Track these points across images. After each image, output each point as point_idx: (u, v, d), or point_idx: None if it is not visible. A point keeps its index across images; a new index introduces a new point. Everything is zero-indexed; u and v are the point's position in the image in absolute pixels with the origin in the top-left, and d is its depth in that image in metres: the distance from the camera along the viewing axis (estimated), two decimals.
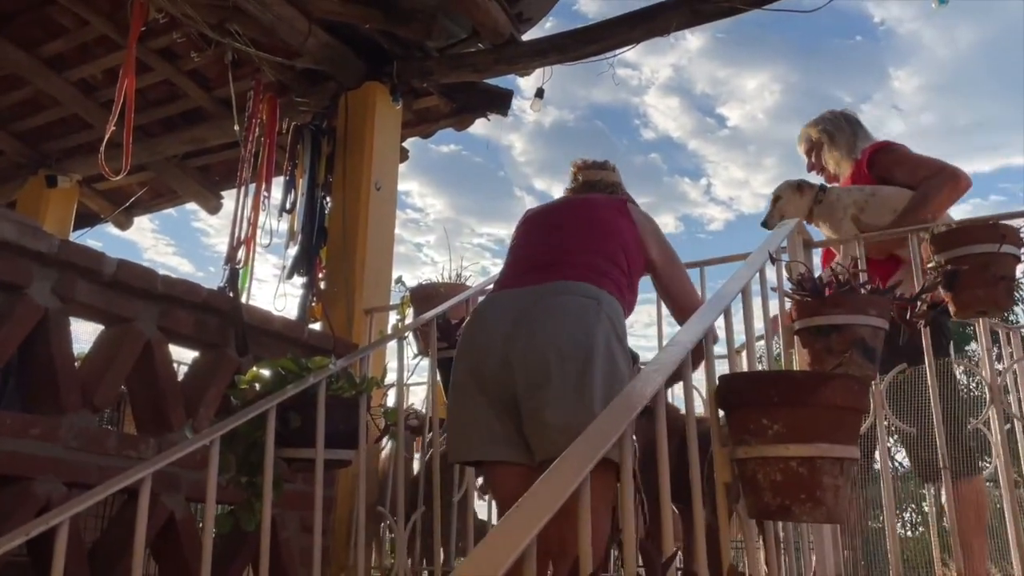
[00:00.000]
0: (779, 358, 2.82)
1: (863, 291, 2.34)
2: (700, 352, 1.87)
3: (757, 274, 2.34)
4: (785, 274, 2.49)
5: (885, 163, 3.08)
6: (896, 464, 3.11)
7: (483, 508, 3.42)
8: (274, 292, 4.03)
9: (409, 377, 2.78)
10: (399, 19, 4.14)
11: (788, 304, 2.43)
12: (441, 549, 2.64)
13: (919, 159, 3.07)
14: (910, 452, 2.93)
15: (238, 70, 4.29)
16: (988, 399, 2.64)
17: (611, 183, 2.42)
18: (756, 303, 2.36)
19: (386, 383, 3.11)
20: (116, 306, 2.81)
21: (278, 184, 4.37)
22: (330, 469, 2.31)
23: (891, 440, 2.98)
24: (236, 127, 4.11)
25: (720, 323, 1.96)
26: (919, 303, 2.40)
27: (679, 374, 1.73)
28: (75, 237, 5.78)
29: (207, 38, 4.02)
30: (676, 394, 2.45)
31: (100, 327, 2.95)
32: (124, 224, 6.07)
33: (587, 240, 2.13)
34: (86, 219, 6.04)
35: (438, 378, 2.80)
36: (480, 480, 3.00)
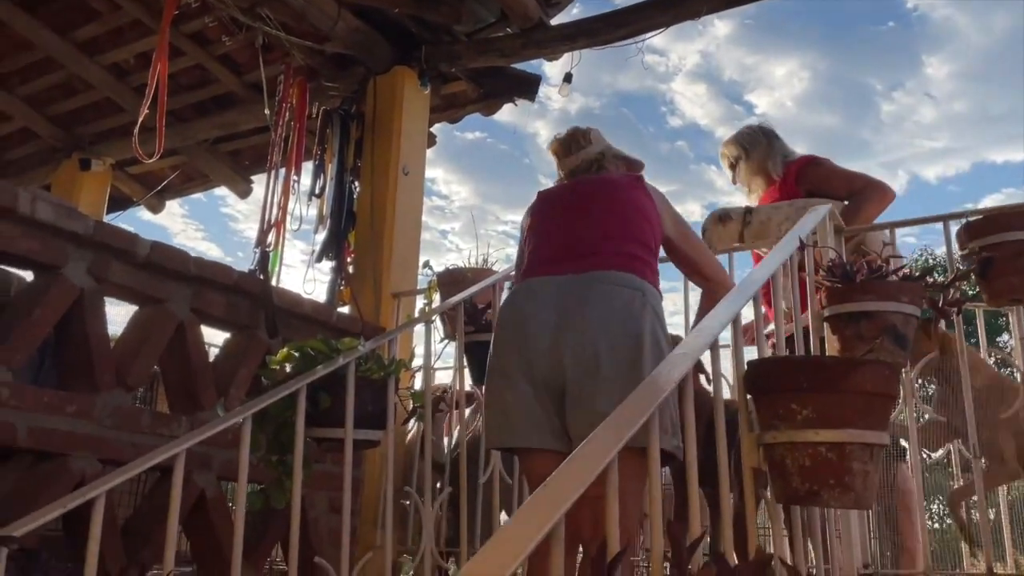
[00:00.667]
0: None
1: (894, 278, 2.32)
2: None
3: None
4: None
5: (816, 177, 3.15)
6: (924, 455, 3.08)
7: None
8: (303, 276, 4.07)
9: (436, 361, 2.79)
10: (428, 3, 4.14)
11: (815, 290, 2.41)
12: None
13: (850, 173, 3.17)
14: None
15: (268, 55, 4.32)
16: (1022, 391, 2.61)
17: (593, 159, 2.35)
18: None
19: (412, 366, 3.14)
20: (149, 287, 2.86)
21: (307, 169, 4.40)
22: (359, 449, 2.34)
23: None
24: (266, 111, 4.14)
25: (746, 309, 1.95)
26: (951, 290, 2.38)
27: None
28: (108, 220, 5.86)
29: (238, 22, 4.05)
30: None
31: (131, 311, 3.00)
32: (156, 208, 6.14)
33: (621, 225, 2.13)
34: (118, 203, 6.12)
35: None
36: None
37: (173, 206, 6.30)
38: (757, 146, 3.32)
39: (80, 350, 2.67)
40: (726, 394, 1.99)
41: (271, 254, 3.57)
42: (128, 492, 3.41)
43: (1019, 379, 2.70)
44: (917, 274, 2.26)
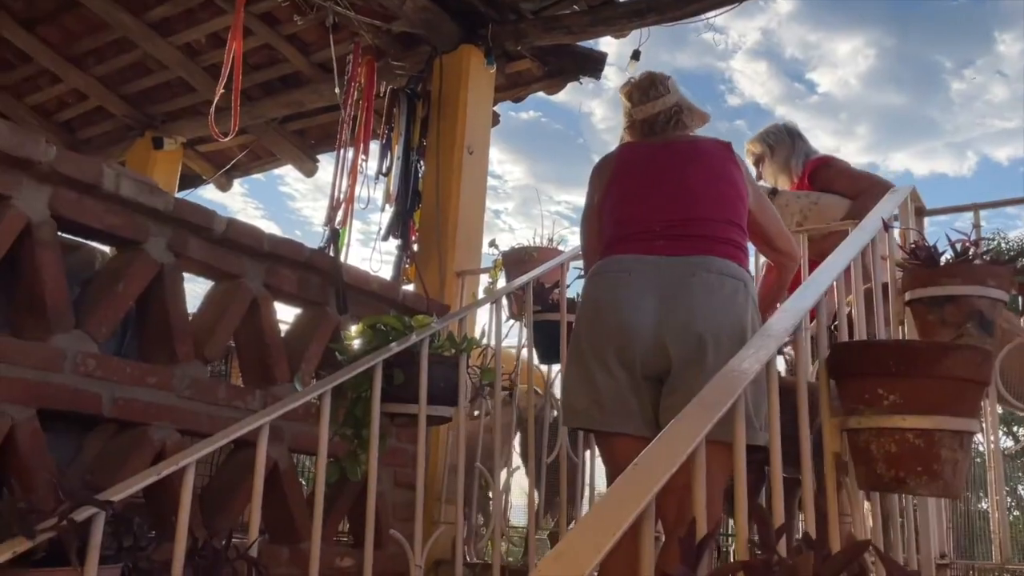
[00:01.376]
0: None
1: (981, 261, 2.24)
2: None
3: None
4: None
5: (826, 177, 3.25)
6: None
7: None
8: (369, 254, 4.12)
9: (504, 339, 2.80)
10: None
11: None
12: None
13: (857, 173, 3.29)
14: None
15: (337, 34, 4.34)
16: None
17: (670, 108, 2.22)
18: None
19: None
20: (225, 263, 2.92)
21: (374, 148, 4.44)
22: (431, 425, 2.37)
23: None
24: (336, 90, 4.18)
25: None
26: None
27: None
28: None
29: (308, 2, 4.08)
30: None
31: (203, 292, 3.08)
32: (224, 186, 6.27)
33: (718, 204, 2.06)
34: (188, 180, 6.26)
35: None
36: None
37: (234, 185, 6.40)
38: (782, 145, 3.37)
39: (160, 323, 2.74)
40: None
41: (340, 232, 3.62)
42: (203, 461, 3.50)
43: None
44: (1008, 256, 2.18)
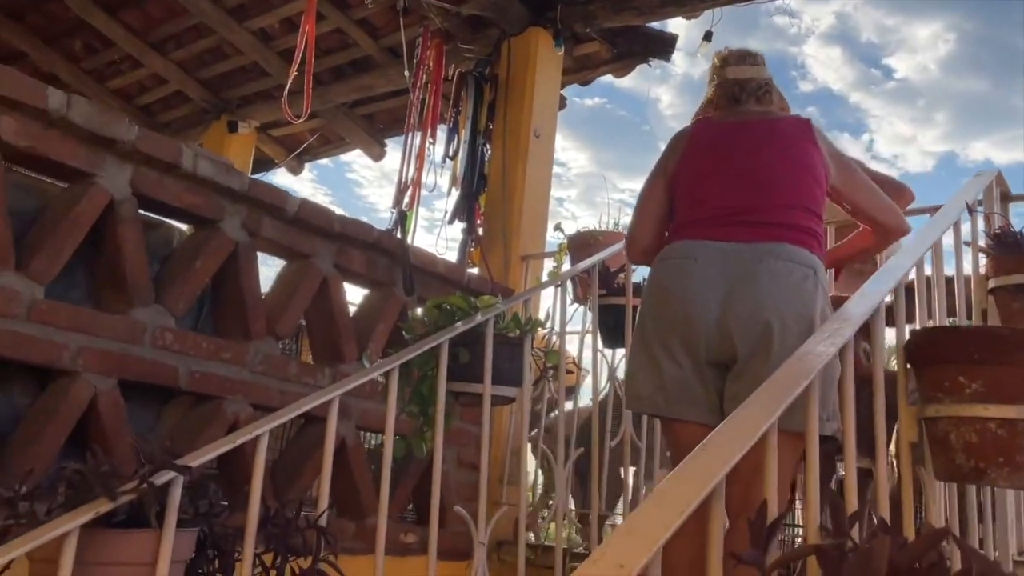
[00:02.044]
0: None
1: None
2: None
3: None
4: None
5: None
6: None
7: None
8: (434, 240, 4.15)
9: (568, 322, 2.79)
10: None
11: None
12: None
13: (874, 173, 3.05)
14: None
15: (406, 17, 4.38)
16: None
17: (763, 82, 2.18)
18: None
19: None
20: (297, 243, 2.98)
21: (442, 131, 4.46)
22: (495, 405, 2.38)
23: None
24: (406, 73, 4.22)
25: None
26: None
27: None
28: None
29: None
30: None
31: (272, 274, 3.14)
32: (296, 170, 6.40)
33: (793, 190, 2.01)
34: (260, 165, 6.41)
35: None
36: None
37: (304, 170, 6.52)
38: None
39: (235, 300, 2.82)
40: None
41: (407, 214, 3.66)
42: (273, 435, 3.59)
43: None
44: None
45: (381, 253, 3.29)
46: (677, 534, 0.93)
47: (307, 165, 6.52)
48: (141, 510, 1.49)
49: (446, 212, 4.18)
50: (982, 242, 2.35)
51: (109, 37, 5.50)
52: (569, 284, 3.14)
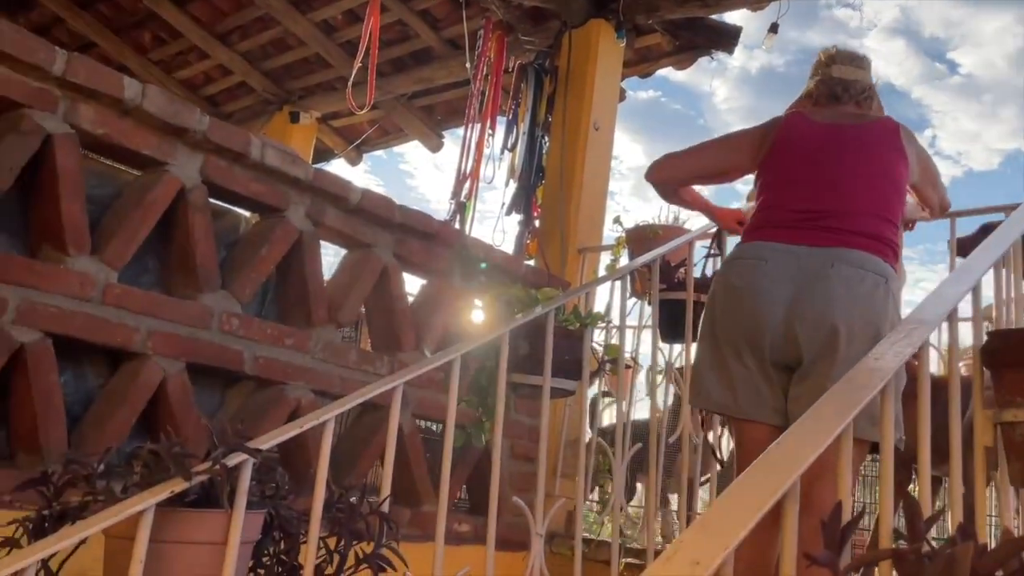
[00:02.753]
0: None
1: None
2: None
3: None
4: None
5: None
6: None
7: None
8: (490, 232, 4.16)
9: (628, 316, 2.76)
10: None
11: None
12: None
13: None
14: None
15: (468, 9, 4.39)
16: None
17: (866, 86, 2.18)
18: None
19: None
20: (359, 232, 3.02)
21: (501, 123, 4.47)
22: (553, 398, 2.38)
23: None
24: (467, 64, 4.23)
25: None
26: None
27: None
28: None
29: None
30: None
31: (332, 262, 3.19)
32: (354, 160, 6.48)
33: (872, 197, 2.01)
34: (320, 155, 6.50)
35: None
36: None
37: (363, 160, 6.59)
38: None
39: (298, 288, 2.87)
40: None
41: (466, 204, 3.67)
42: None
43: None
44: None
45: (440, 244, 3.31)
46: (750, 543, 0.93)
47: (367, 154, 6.59)
48: (212, 490, 1.53)
49: (504, 204, 4.19)
50: None
51: (177, 28, 5.63)
52: (628, 278, 3.12)
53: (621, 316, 2.58)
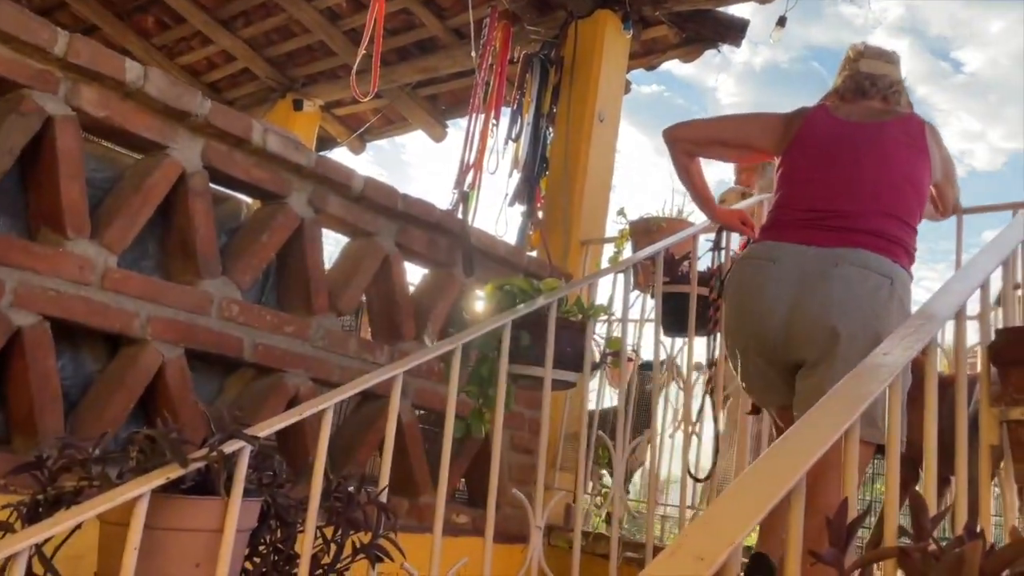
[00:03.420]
0: None
1: None
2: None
3: None
4: None
5: None
6: None
7: None
8: (495, 219, 4.14)
9: (631, 309, 2.74)
10: None
11: None
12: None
13: None
14: None
15: None
16: None
17: (894, 81, 2.18)
18: None
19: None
20: (361, 220, 3.00)
21: (505, 113, 4.44)
22: (555, 390, 2.36)
23: None
24: (473, 54, 4.20)
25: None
26: None
27: None
28: None
29: None
30: None
31: (334, 250, 3.16)
32: (358, 149, 6.44)
33: (890, 198, 2.00)
34: (323, 144, 6.47)
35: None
36: None
37: (365, 149, 6.55)
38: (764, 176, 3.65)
39: (299, 275, 2.85)
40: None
41: (469, 195, 3.65)
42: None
43: None
44: None
45: (442, 233, 3.28)
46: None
47: (370, 144, 6.56)
48: (208, 477, 1.51)
49: (507, 195, 4.16)
50: None
51: (180, 13, 5.59)
52: (631, 271, 3.10)
53: (624, 308, 2.55)
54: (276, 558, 1.63)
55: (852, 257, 1.92)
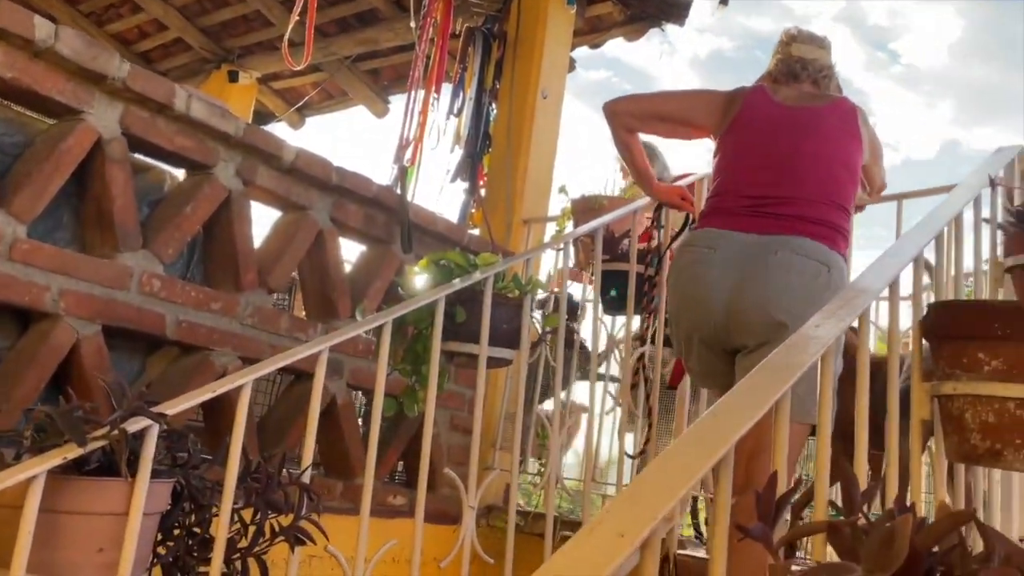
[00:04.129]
0: None
1: None
2: None
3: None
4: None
5: None
6: None
7: None
8: (436, 196, 4.06)
9: (568, 287, 2.69)
10: None
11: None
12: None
13: None
14: None
15: None
16: None
17: (825, 66, 2.22)
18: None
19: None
20: (293, 194, 2.89)
21: (446, 89, 4.34)
22: (491, 367, 2.31)
23: None
24: (412, 24, 4.09)
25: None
26: None
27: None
28: None
29: None
30: None
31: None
32: (296, 124, 6.26)
33: (825, 185, 2.04)
34: (261, 117, 6.28)
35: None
36: None
37: (305, 124, 6.36)
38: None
39: (226, 250, 2.73)
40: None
41: (408, 170, 3.55)
42: (262, 392, 3.53)
43: None
44: None
45: (380, 209, 3.19)
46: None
47: (308, 120, 6.38)
48: (114, 459, 1.41)
49: (448, 171, 4.07)
50: (1001, 219, 2.26)
51: None
52: (572, 250, 3.05)
53: (562, 286, 2.51)
54: (190, 542, 1.54)
55: (791, 244, 1.95)
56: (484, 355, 2.13)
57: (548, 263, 3.09)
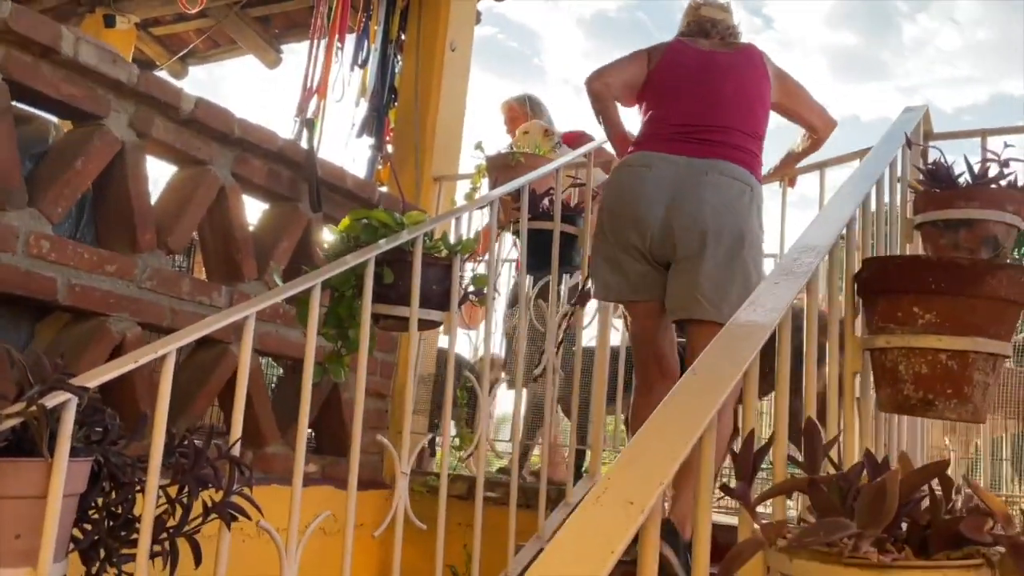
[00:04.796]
0: None
1: (1001, 185, 2.17)
2: None
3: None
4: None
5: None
6: None
7: None
8: (341, 150, 3.89)
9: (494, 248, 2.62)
10: None
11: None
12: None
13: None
14: None
15: None
16: None
17: (729, 26, 2.47)
18: None
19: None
20: (192, 147, 2.69)
21: (350, 39, 4.14)
22: (420, 330, 2.23)
23: None
24: None
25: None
26: None
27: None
28: None
29: None
30: None
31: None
32: (179, 74, 5.86)
33: (743, 116, 2.30)
34: (141, 66, 5.84)
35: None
36: None
37: (190, 74, 5.97)
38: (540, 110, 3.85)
39: (120, 207, 2.53)
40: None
41: (314, 122, 3.38)
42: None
43: None
44: None
45: (285, 164, 3.03)
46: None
47: (193, 69, 5.99)
48: (25, 436, 1.27)
49: (353, 125, 3.91)
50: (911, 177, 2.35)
51: None
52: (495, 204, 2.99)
53: (491, 244, 2.45)
54: (112, 523, 1.42)
55: (720, 167, 2.20)
56: (415, 318, 2.06)
57: (469, 223, 3.01)
